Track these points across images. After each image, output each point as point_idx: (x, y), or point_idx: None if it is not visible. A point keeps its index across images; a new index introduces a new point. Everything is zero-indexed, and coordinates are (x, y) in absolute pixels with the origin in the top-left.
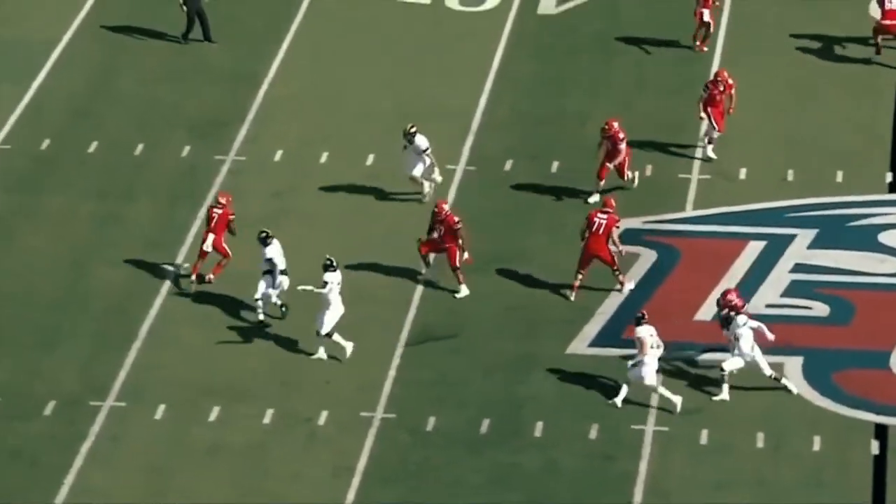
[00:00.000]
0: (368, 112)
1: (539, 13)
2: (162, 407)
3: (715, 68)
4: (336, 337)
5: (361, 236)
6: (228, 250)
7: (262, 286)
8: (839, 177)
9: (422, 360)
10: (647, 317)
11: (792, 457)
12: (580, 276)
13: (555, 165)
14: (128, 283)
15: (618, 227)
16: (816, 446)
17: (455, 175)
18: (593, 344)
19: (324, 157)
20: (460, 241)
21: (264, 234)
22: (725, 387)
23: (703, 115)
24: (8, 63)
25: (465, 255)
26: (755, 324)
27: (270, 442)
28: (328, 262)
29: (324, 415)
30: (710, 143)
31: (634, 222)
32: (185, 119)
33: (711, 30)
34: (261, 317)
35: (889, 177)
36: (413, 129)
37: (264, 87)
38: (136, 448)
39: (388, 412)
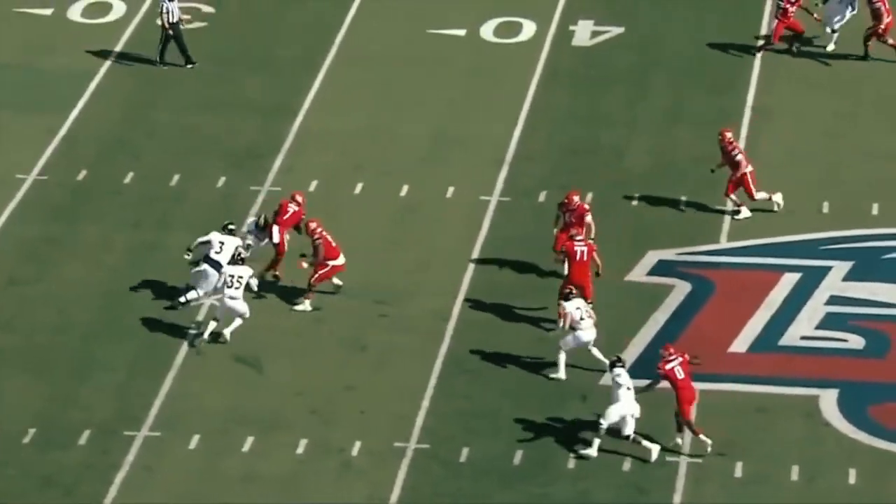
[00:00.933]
0: (403, 143)
1: (573, 45)
2: (196, 437)
3: (751, 97)
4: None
5: (395, 266)
6: (286, 247)
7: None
8: (874, 209)
9: (455, 390)
10: (574, 292)
11: (827, 490)
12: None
13: (589, 196)
14: (162, 312)
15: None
16: (852, 479)
17: (489, 206)
18: None
19: (358, 188)
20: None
21: (230, 224)
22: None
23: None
24: (45, 94)
25: (305, 264)
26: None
27: (304, 472)
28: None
29: (357, 445)
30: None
31: (668, 254)
32: (221, 150)
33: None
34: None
35: None
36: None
37: (300, 118)
38: (170, 478)
39: (421, 443)
